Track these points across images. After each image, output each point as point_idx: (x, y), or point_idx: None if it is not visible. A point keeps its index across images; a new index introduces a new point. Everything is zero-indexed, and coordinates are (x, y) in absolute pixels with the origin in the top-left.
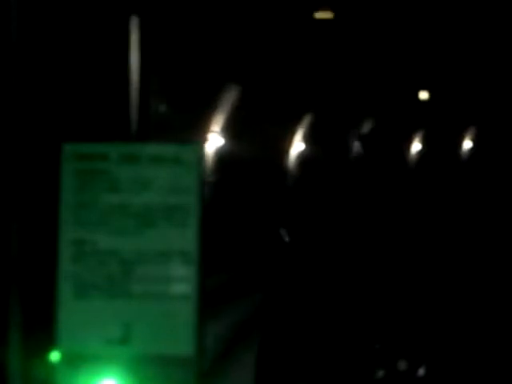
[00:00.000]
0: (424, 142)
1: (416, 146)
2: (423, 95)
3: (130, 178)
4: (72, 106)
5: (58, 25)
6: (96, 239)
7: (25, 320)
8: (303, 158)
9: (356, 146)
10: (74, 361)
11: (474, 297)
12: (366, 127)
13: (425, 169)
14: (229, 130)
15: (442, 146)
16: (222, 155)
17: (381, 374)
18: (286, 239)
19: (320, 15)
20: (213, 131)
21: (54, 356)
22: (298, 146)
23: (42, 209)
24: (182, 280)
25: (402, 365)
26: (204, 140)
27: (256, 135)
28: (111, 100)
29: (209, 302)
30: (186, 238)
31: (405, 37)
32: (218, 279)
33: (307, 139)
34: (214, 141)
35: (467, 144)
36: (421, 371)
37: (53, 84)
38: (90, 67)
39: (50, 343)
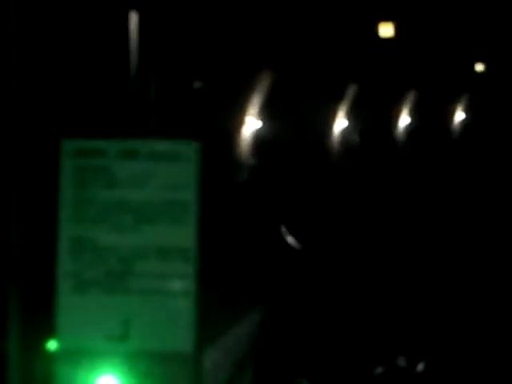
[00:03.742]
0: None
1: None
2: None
3: (129, 174)
4: (71, 101)
5: (56, 19)
6: (95, 235)
7: (23, 313)
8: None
9: (355, 139)
10: (73, 357)
11: (474, 293)
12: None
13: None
14: None
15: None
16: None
17: (380, 370)
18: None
19: None
20: None
21: (52, 345)
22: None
23: (40, 205)
24: (181, 276)
25: (402, 361)
26: None
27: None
28: (110, 96)
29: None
30: (184, 234)
31: None
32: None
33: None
34: None
35: (459, 115)
36: (420, 367)
37: (51, 80)
38: (89, 62)
39: (48, 336)
